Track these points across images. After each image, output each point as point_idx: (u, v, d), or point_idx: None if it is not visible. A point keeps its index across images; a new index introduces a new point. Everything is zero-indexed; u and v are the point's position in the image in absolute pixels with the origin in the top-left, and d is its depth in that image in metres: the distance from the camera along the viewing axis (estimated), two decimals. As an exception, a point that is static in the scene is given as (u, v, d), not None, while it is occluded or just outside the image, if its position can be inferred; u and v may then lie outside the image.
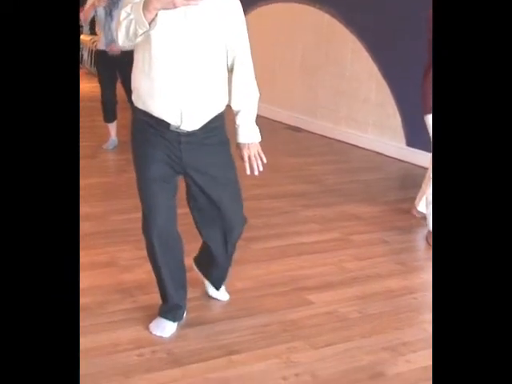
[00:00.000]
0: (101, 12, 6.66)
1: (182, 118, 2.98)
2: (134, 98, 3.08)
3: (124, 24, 2.84)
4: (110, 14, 6.61)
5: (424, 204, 4.93)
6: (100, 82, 7.02)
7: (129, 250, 4.20)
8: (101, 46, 6.84)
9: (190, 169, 3.09)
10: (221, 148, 3.14)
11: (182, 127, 3.00)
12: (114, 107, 6.98)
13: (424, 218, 4.93)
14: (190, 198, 3.24)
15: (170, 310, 3.29)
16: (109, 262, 4.07)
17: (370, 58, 7.38)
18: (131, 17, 2.80)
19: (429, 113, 4.46)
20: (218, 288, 3.60)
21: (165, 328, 3.27)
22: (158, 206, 3.11)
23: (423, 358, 3.16)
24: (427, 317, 3.56)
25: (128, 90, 6.76)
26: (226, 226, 3.25)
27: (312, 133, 8.13)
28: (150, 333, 3.25)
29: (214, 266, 3.47)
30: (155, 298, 3.36)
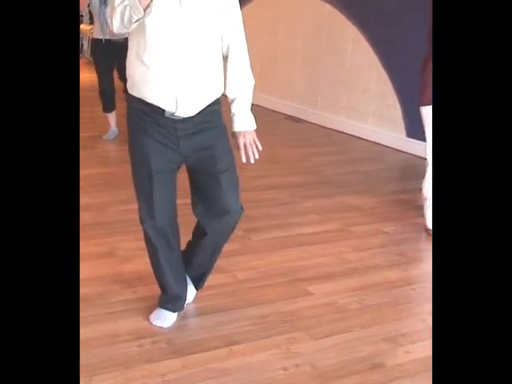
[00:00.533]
0: (95, 0, 6.63)
1: (177, 105, 2.96)
2: (128, 85, 3.06)
3: (119, 10, 2.82)
4: (104, 1, 6.57)
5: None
6: (97, 71, 6.95)
7: (129, 241, 4.20)
8: (97, 35, 6.79)
9: (189, 153, 3.06)
10: (218, 132, 3.11)
11: (177, 113, 2.98)
12: (112, 97, 6.93)
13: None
14: (193, 188, 3.21)
15: (170, 300, 3.30)
16: (109, 253, 4.08)
17: (370, 49, 7.37)
18: (126, 3, 2.79)
19: (426, 104, 4.43)
20: (197, 287, 3.47)
21: (165, 318, 3.28)
22: (157, 199, 3.09)
23: (422, 349, 3.16)
24: (426, 308, 3.57)
25: (124, 79, 6.76)
26: (223, 209, 3.16)
27: (312, 123, 8.12)
28: (150, 323, 3.26)
29: (200, 258, 3.35)
30: (155, 289, 3.36)
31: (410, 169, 6.55)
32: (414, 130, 6.94)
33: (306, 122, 8.21)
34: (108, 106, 6.97)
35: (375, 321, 3.44)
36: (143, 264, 3.84)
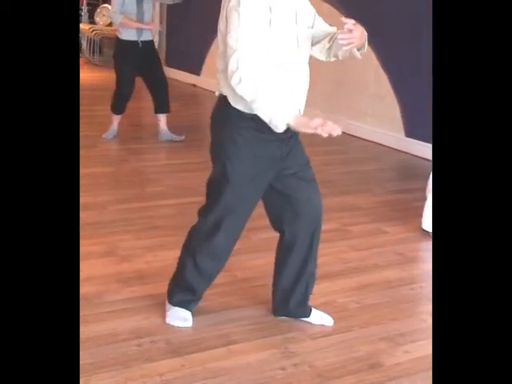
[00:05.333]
0: (131, 1, 6.55)
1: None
2: (243, 105, 2.91)
3: (262, 101, 2.77)
4: (141, 1, 6.56)
5: None
6: (120, 74, 6.78)
7: (128, 240, 4.19)
8: (127, 36, 6.64)
9: (290, 163, 3.04)
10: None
11: None
12: (127, 101, 6.87)
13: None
14: (277, 198, 3.18)
15: (192, 300, 3.29)
16: (108, 252, 4.07)
17: (369, 48, 7.34)
18: (271, 112, 2.77)
19: None
20: (307, 313, 3.38)
21: (187, 318, 3.26)
22: (237, 228, 3.15)
23: (421, 349, 3.17)
24: (425, 307, 3.57)
25: (160, 95, 6.83)
26: (317, 214, 3.20)
27: (311, 123, 8.12)
28: (167, 324, 3.25)
29: (301, 277, 3.29)
30: (154, 288, 3.37)
31: (408, 168, 6.56)
32: (412, 129, 6.95)
33: (305, 121, 8.20)
34: (120, 109, 6.89)
35: (374, 320, 3.44)
36: (143, 263, 3.85)
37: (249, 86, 2.78)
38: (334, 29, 3.16)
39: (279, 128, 2.80)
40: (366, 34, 2.97)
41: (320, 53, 3.19)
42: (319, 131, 2.70)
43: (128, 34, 6.65)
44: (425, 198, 4.70)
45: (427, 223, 4.61)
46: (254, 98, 2.79)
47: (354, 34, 2.84)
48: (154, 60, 6.80)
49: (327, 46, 3.13)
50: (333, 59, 3.21)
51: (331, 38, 3.09)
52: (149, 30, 6.68)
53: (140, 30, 6.61)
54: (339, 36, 2.87)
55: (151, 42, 6.78)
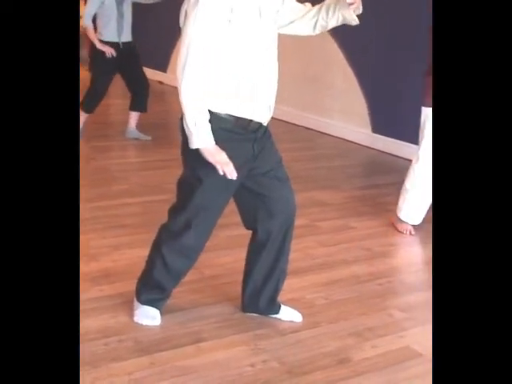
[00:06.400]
0: (111, 2, 6.52)
1: (269, 114, 3.06)
2: (214, 105, 2.88)
3: (193, 108, 2.79)
4: (121, 2, 6.52)
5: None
6: (97, 73, 6.78)
7: (95, 239, 4.16)
8: (107, 37, 6.62)
9: (260, 162, 3.01)
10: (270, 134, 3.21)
11: (266, 123, 3.06)
12: (101, 100, 6.84)
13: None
14: (250, 197, 3.15)
15: (161, 299, 3.27)
16: (75, 251, 4.04)
17: (335, 44, 7.40)
18: (193, 124, 2.80)
19: (429, 106, 4.34)
20: (276, 310, 3.37)
21: (155, 317, 3.24)
22: (208, 227, 3.13)
23: (389, 343, 3.19)
24: (393, 302, 3.60)
25: (139, 93, 6.84)
26: (290, 211, 3.19)
27: (277, 119, 8.12)
28: (136, 323, 3.23)
29: (273, 274, 3.26)
30: (122, 287, 3.35)
31: (375, 164, 6.60)
32: (379, 125, 6.99)
33: (272, 118, 8.20)
34: (92, 108, 6.83)
35: (342, 316, 3.45)
36: (110, 262, 3.82)
37: (188, 92, 2.79)
38: (308, 4, 3.22)
39: (191, 145, 2.85)
40: None
41: (303, 28, 3.25)
42: (219, 167, 2.86)
43: (109, 35, 6.63)
44: (393, 194, 4.72)
45: (405, 214, 4.62)
46: (187, 105, 2.80)
47: None
48: (134, 61, 6.80)
49: (312, 18, 3.17)
50: (318, 31, 3.26)
51: (317, 10, 3.16)
52: (127, 31, 6.71)
53: (120, 31, 6.61)
54: None
55: (131, 43, 6.77)
